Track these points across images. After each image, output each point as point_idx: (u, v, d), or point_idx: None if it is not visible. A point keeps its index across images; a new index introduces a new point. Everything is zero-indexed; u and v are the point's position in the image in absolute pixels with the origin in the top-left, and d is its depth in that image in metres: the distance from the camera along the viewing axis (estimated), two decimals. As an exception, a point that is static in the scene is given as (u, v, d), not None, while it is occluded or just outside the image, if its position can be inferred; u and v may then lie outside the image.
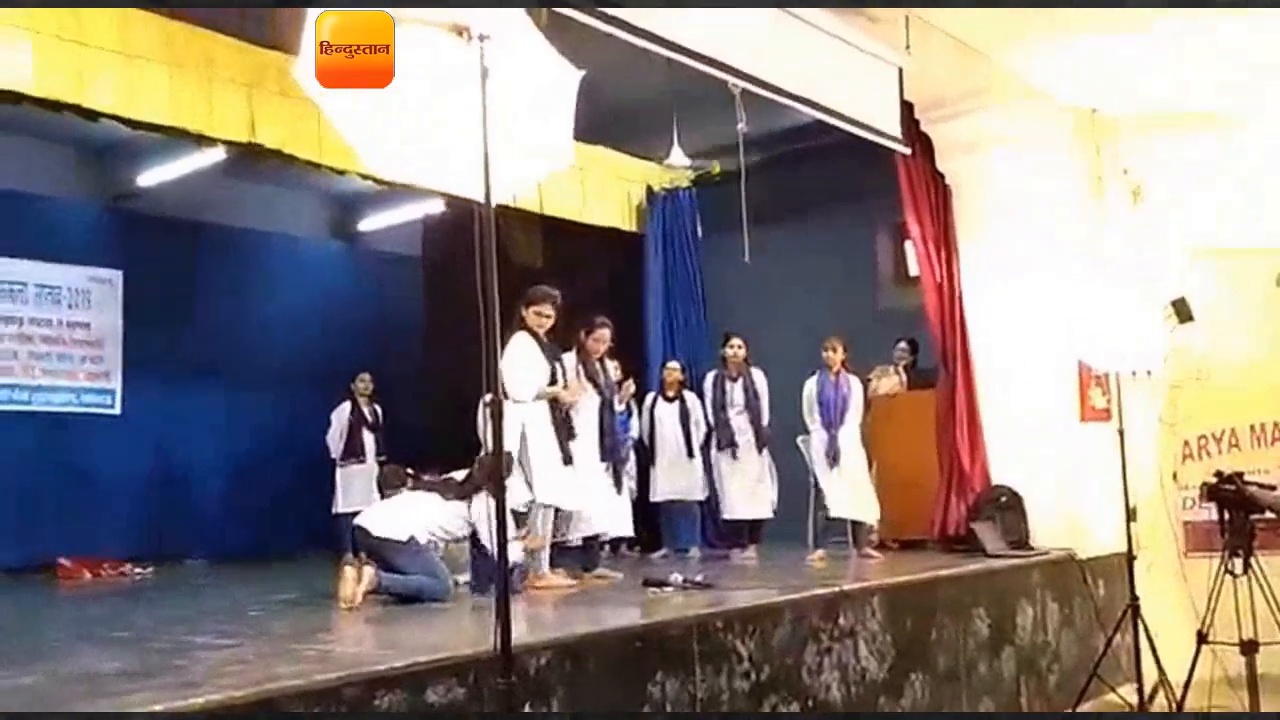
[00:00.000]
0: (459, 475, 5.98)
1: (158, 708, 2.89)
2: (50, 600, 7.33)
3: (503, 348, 3.12)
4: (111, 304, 10.28)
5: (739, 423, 8.19)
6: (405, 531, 5.59)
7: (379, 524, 5.65)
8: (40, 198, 9.81)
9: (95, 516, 9.48)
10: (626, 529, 7.57)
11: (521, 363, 6.12)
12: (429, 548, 5.71)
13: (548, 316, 6.38)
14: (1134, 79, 7.42)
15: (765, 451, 8.22)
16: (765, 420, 8.23)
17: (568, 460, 6.34)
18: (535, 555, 6.15)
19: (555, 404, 6.36)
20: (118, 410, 10.25)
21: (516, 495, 6.06)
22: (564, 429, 6.37)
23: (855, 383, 7.81)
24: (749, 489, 8.18)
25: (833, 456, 7.62)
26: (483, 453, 5.95)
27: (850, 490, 7.62)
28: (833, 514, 7.61)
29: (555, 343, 6.56)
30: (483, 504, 5.73)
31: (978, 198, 7.83)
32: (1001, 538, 7.22)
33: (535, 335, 6.34)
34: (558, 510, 6.41)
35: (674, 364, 9.02)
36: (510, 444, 6.05)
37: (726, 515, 8.38)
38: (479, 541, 5.75)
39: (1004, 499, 7.50)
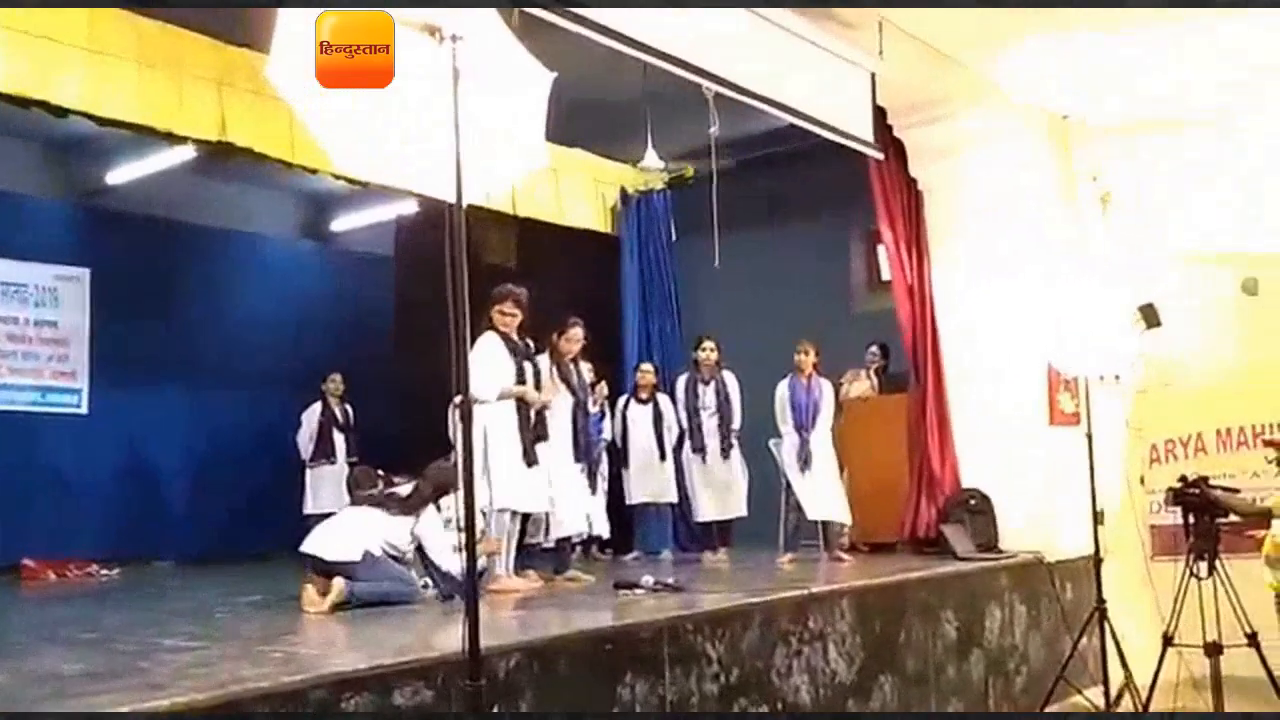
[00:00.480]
0: (403, 489, 5.92)
1: (123, 709, 2.87)
2: (14, 601, 7.25)
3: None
4: (79, 302, 10.17)
5: (710, 425, 8.22)
6: (357, 550, 5.48)
7: (329, 548, 5.52)
8: (6, 194, 9.70)
9: (61, 517, 9.37)
10: (603, 528, 7.57)
11: (484, 362, 6.03)
12: (382, 559, 5.62)
13: (511, 315, 6.32)
14: (1102, 84, 7.49)
15: (736, 454, 8.24)
16: (737, 423, 8.26)
17: (531, 462, 6.24)
18: (492, 559, 6.05)
19: (522, 405, 6.28)
20: (84, 410, 10.14)
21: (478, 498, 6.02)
22: (529, 430, 6.27)
23: (827, 386, 7.84)
24: (720, 491, 8.22)
25: (804, 460, 7.63)
26: (434, 464, 5.92)
27: (821, 492, 7.64)
28: (809, 516, 7.63)
29: (527, 343, 6.53)
30: (430, 519, 5.72)
31: (949, 203, 7.89)
32: (971, 540, 7.28)
33: (502, 334, 6.30)
34: (526, 514, 6.36)
35: (647, 366, 9.04)
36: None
37: (698, 517, 8.40)
38: (426, 556, 5.70)
39: (973, 502, 7.56)
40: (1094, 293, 6.55)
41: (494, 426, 6.09)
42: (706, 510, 8.29)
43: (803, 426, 7.68)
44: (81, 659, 4.00)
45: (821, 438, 7.72)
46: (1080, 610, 6.83)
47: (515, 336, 6.39)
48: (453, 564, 5.51)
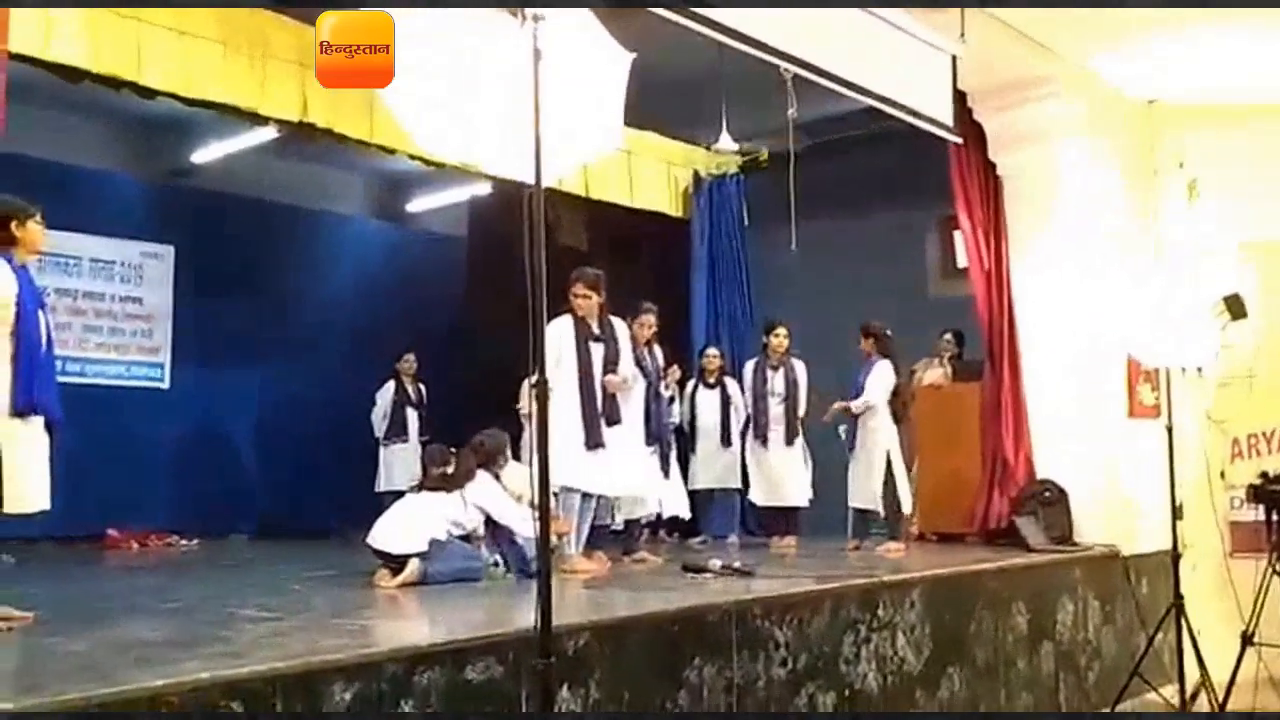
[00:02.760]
0: (450, 468, 5.95)
1: (203, 675, 2.94)
2: (98, 570, 7.46)
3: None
4: (163, 279, 10.41)
5: (777, 412, 8.19)
6: (422, 541, 5.48)
7: (394, 541, 5.52)
8: (96, 173, 9.95)
9: (143, 489, 9.61)
10: (683, 509, 7.52)
11: (548, 344, 6.06)
12: (451, 541, 5.64)
13: (584, 297, 6.29)
14: (1194, 70, 7.32)
15: (800, 442, 8.20)
16: (803, 410, 8.21)
17: (592, 445, 6.19)
18: (563, 539, 6.07)
19: (586, 385, 6.23)
20: (166, 385, 10.39)
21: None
22: (594, 412, 6.22)
23: (878, 366, 7.58)
24: (785, 477, 8.18)
25: (850, 443, 7.60)
26: (478, 435, 5.95)
27: (857, 479, 7.55)
28: (850, 502, 7.57)
29: (608, 327, 6.46)
30: (484, 486, 5.72)
31: (1030, 189, 7.76)
32: (1044, 532, 7.18)
33: (577, 318, 6.32)
34: (596, 495, 6.37)
35: (713, 351, 8.99)
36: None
37: (762, 503, 8.37)
38: (496, 524, 5.70)
39: (1048, 494, 7.45)
40: (1177, 282, 6.42)
41: (555, 406, 6.05)
42: (771, 496, 8.26)
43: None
44: (163, 628, 4.11)
45: (864, 421, 7.56)
46: (1156, 606, 6.72)
47: (594, 320, 6.38)
48: (524, 528, 5.50)
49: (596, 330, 6.38)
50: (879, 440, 7.52)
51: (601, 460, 6.26)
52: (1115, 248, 7.49)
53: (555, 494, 6.04)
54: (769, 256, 9.45)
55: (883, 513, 7.51)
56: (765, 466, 8.23)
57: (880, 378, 7.60)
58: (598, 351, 6.37)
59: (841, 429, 7.89)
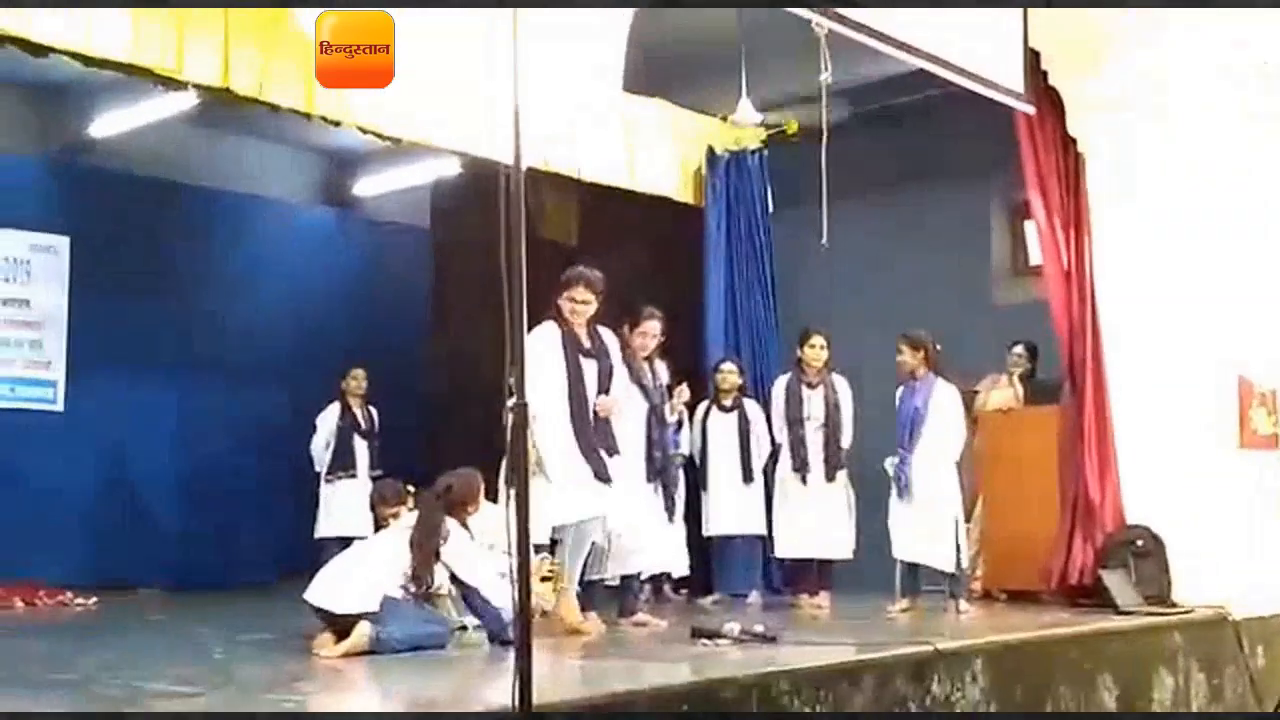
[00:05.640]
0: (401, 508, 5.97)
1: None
2: (-27, 634, 7.46)
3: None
4: (56, 278, 10.43)
5: (814, 441, 8.18)
6: (374, 598, 5.44)
7: (338, 598, 5.50)
8: (-29, 149, 10.01)
9: (30, 534, 9.59)
10: (682, 565, 7.54)
11: (533, 358, 6.11)
12: (408, 599, 5.61)
13: (584, 302, 6.35)
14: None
15: (843, 478, 8.21)
16: (847, 440, 8.22)
17: (599, 476, 6.27)
18: (563, 592, 6.14)
19: (578, 406, 6.28)
20: (60, 406, 10.40)
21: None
22: (589, 441, 6.28)
23: (940, 391, 7.65)
24: (822, 523, 8.18)
25: (900, 484, 7.59)
26: (442, 478, 5.97)
27: (915, 527, 7.53)
28: (895, 554, 7.59)
29: (598, 337, 6.52)
30: (457, 542, 5.72)
31: (1118, 168, 7.78)
32: (1136, 590, 7.19)
33: (563, 325, 6.36)
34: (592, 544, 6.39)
35: (729, 366, 8.94)
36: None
37: (793, 554, 8.37)
38: (464, 587, 5.70)
39: (1140, 543, 7.47)
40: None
41: (543, 431, 6.12)
42: (804, 545, 8.26)
43: (901, 443, 7.63)
44: (55, 704, 4.11)
45: (928, 459, 7.58)
46: (1275, 679, 6.73)
47: (582, 329, 6.42)
48: (498, 596, 5.53)
49: (587, 343, 6.42)
50: (949, 481, 7.56)
51: (599, 490, 6.30)
52: (1228, 245, 7.51)
53: (556, 539, 6.07)
54: (799, 250, 9.47)
55: (952, 570, 7.55)
56: (798, 509, 8.23)
57: (954, 403, 7.67)
58: (590, 369, 6.40)
59: (888, 463, 7.90)
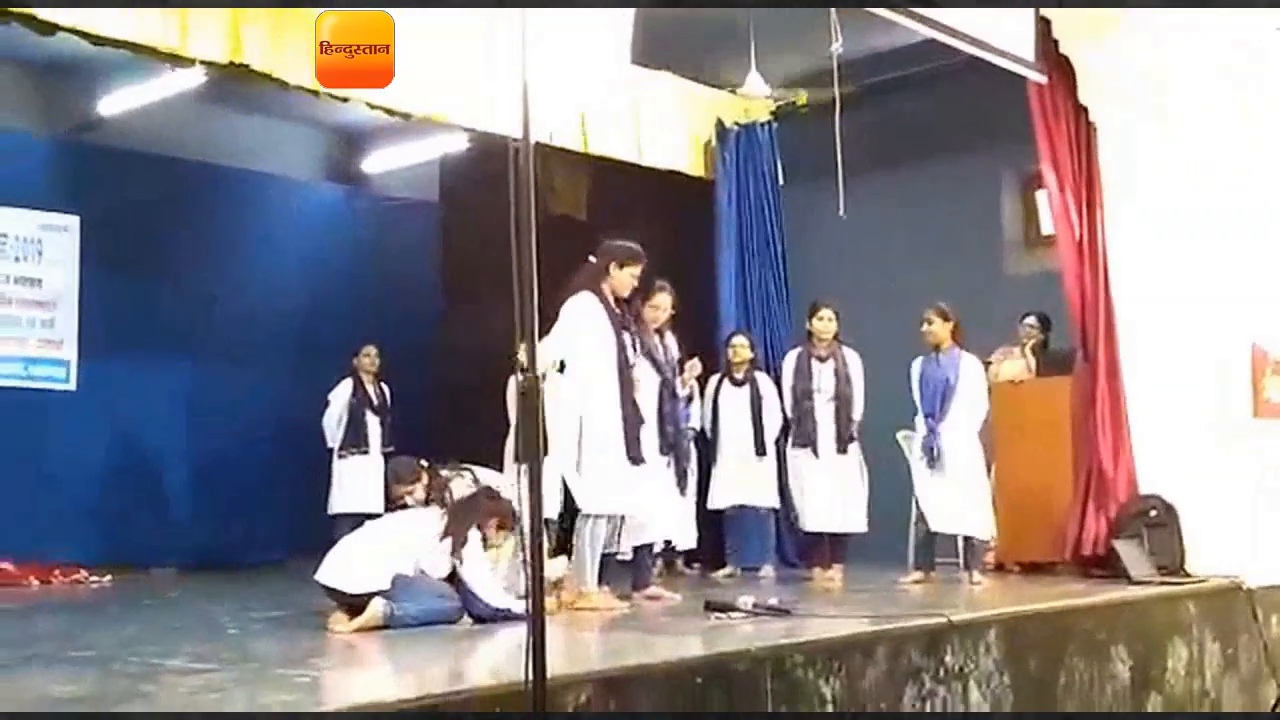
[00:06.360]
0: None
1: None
2: (-8, 612, 7.50)
3: (541, 315, 3.13)
4: (67, 257, 10.44)
5: (825, 413, 8.19)
6: (385, 576, 5.47)
7: (350, 577, 5.53)
8: (-18, 128, 10.00)
9: (45, 512, 9.65)
10: (689, 539, 7.54)
11: (579, 327, 6.13)
12: (420, 575, 5.64)
13: (632, 278, 6.37)
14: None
15: (855, 450, 8.21)
16: (858, 412, 8.21)
17: (636, 460, 6.29)
18: (581, 569, 6.17)
19: (627, 386, 6.31)
20: (72, 385, 10.42)
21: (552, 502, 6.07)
22: (635, 418, 6.29)
23: (968, 362, 7.74)
24: (835, 495, 8.18)
25: (930, 455, 7.62)
26: (470, 496, 6.00)
27: (952, 499, 7.59)
28: (932, 527, 7.61)
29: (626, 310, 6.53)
30: (474, 555, 5.73)
31: (1131, 138, 7.75)
32: (1150, 561, 7.20)
33: (602, 297, 6.33)
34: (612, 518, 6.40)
35: (741, 339, 8.97)
36: (564, 434, 6.07)
37: (806, 527, 8.38)
38: (460, 580, 5.70)
39: (1154, 513, 7.47)
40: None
41: (593, 414, 6.17)
42: (817, 518, 8.26)
43: (931, 414, 7.65)
44: (71, 683, 4.12)
45: (958, 430, 7.65)
46: (1289, 649, 6.74)
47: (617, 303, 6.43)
48: (500, 600, 5.60)
49: (620, 314, 6.43)
50: (977, 452, 7.62)
51: (639, 478, 6.34)
52: (1238, 210, 7.47)
53: (551, 519, 6.08)
54: (809, 223, 9.45)
55: (984, 538, 7.63)
56: (811, 482, 8.24)
57: (980, 375, 7.76)
58: (627, 341, 6.41)
59: (902, 435, 7.90)
